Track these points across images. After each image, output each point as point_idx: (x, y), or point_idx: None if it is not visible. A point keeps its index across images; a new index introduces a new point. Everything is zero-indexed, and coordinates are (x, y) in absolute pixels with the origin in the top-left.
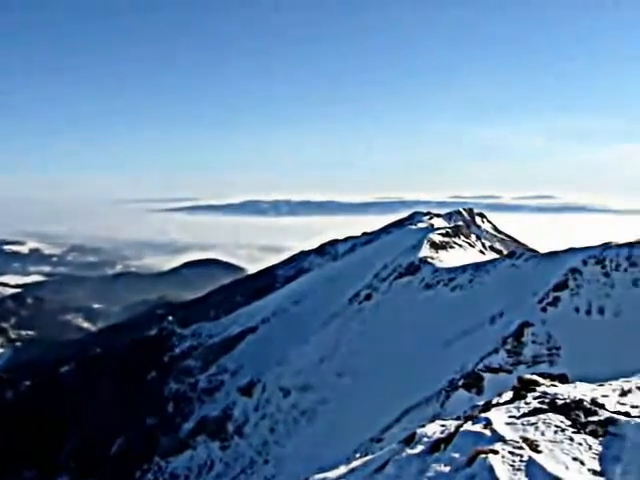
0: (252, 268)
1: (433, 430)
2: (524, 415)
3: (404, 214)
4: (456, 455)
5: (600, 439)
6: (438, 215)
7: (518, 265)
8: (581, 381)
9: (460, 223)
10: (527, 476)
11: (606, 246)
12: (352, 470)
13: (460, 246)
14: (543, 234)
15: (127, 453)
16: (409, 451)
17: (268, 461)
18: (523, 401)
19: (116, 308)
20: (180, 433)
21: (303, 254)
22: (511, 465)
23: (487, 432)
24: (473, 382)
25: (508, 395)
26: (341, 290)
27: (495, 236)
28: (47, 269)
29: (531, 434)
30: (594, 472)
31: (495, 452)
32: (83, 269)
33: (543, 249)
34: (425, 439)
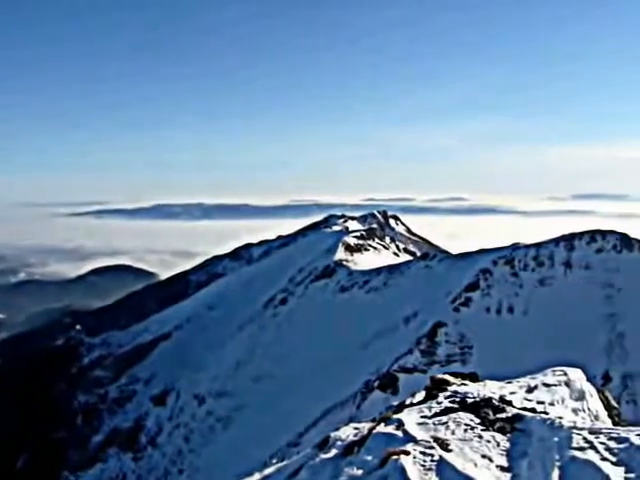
0: (164, 274)
1: (347, 433)
2: (435, 415)
3: (319, 217)
4: (369, 458)
5: (508, 435)
6: (353, 218)
7: (431, 266)
8: (491, 379)
9: (374, 226)
10: (438, 475)
11: (515, 247)
12: (266, 477)
13: (375, 248)
14: (455, 235)
15: (33, 468)
16: (323, 455)
17: (183, 471)
18: (435, 401)
19: (20, 318)
20: (90, 446)
21: (217, 259)
22: (422, 465)
23: (399, 433)
24: (388, 383)
25: (421, 395)
26: (256, 294)
27: (409, 238)
28: None
29: (442, 433)
30: (502, 468)
31: (407, 453)
32: None
33: (455, 250)
34: (339, 443)
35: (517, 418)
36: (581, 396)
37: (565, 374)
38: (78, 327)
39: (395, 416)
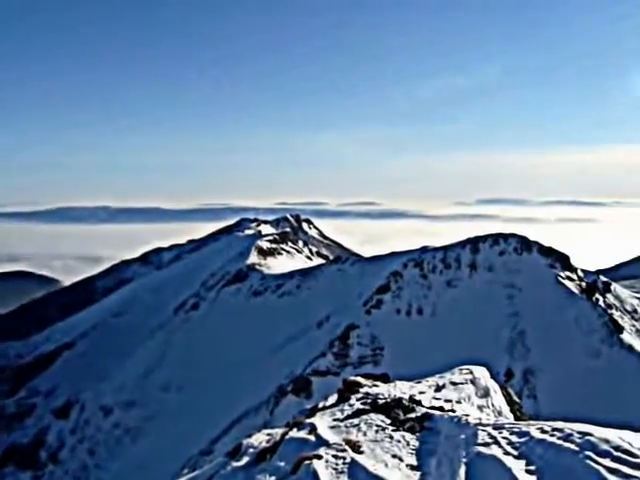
0: (68, 280)
1: (259, 440)
2: (348, 417)
3: (231, 221)
4: (281, 464)
5: (417, 435)
6: (265, 222)
7: (344, 270)
8: (402, 379)
9: (287, 229)
10: (349, 478)
11: (424, 250)
12: None
13: (288, 252)
14: (367, 239)
15: None
16: (235, 464)
17: None
18: (347, 403)
19: None
20: None
21: (125, 264)
22: (334, 468)
23: (312, 437)
24: (302, 387)
25: (333, 398)
26: (166, 300)
27: (322, 242)
28: None
29: (354, 435)
30: (412, 467)
31: (319, 457)
32: None
33: (367, 254)
34: (251, 450)
35: (426, 417)
36: (486, 393)
37: (471, 372)
38: None
39: (308, 420)
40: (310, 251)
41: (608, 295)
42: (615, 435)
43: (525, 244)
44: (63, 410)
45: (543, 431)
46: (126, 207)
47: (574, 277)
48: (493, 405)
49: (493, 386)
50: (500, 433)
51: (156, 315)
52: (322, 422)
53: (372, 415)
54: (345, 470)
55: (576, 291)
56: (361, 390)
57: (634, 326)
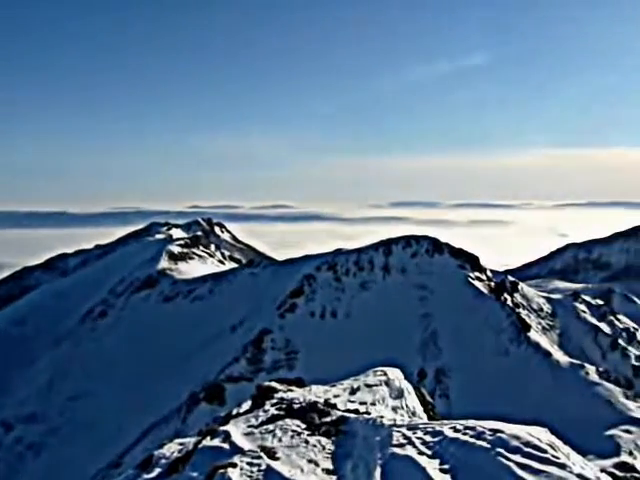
0: None
1: (172, 450)
2: (262, 423)
3: (141, 225)
4: (194, 474)
5: (333, 438)
6: (177, 226)
7: (257, 274)
8: (317, 383)
9: (199, 233)
10: None
11: (337, 252)
12: None
13: (200, 257)
14: (280, 242)
15: None
16: (145, 476)
17: None
18: (262, 409)
19: None
20: None
21: (27, 270)
22: (249, 476)
23: (226, 445)
24: (215, 394)
25: (247, 404)
26: (72, 308)
27: (234, 246)
28: None
29: (269, 442)
30: (328, 471)
31: (234, 465)
32: None
33: (280, 257)
34: (163, 461)
35: (341, 420)
36: (400, 394)
37: (385, 374)
38: None
39: (221, 428)
40: (222, 255)
41: (516, 294)
42: (524, 431)
43: (436, 246)
44: None
45: (456, 430)
46: (29, 211)
47: (483, 277)
48: (407, 406)
49: (407, 387)
50: (414, 433)
51: (61, 323)
52: (236, 429)
53: (287, 420)
54: (260, 477)
55: (485, 291)
56: (276, 395)
57: (540, 324)
